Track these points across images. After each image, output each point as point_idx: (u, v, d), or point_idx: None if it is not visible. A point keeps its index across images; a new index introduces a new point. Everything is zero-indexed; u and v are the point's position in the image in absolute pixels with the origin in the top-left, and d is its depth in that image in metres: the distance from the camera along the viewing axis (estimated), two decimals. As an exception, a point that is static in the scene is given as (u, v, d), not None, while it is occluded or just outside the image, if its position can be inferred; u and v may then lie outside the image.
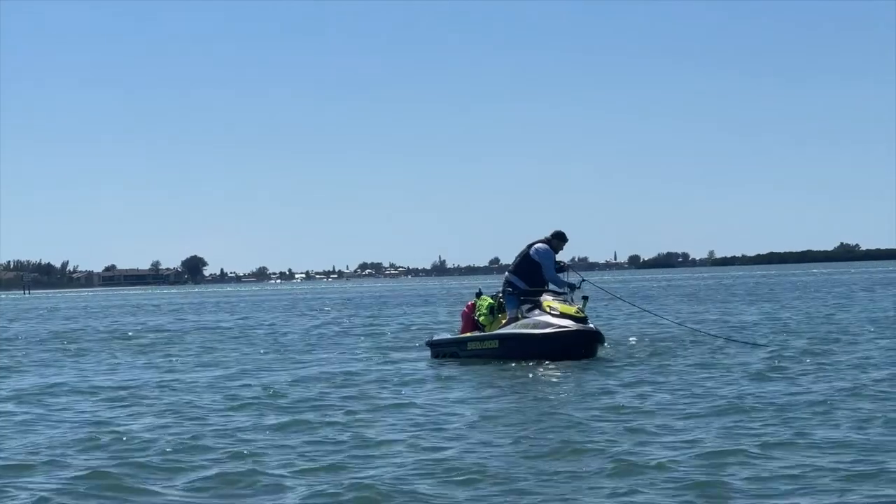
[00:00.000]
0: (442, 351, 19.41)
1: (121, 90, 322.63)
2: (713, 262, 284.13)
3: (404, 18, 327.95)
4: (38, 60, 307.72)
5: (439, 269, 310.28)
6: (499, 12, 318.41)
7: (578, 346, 17.75)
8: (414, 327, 30.83)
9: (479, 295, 19.60)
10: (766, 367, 16.13)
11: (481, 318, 19.17)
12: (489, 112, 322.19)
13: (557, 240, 19.35)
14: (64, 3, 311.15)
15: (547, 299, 18.34)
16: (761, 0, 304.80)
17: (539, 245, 19.20)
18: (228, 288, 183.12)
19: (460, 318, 20.04)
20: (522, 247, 19.36)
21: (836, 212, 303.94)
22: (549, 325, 17.87)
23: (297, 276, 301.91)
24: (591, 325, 18.09)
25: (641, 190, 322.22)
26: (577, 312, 18.06)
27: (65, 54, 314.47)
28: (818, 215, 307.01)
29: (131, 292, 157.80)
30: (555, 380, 15.79)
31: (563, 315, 17.95)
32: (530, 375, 16.28)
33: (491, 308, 19.14)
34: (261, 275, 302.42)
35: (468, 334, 19.25)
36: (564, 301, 18.42)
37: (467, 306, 19.71)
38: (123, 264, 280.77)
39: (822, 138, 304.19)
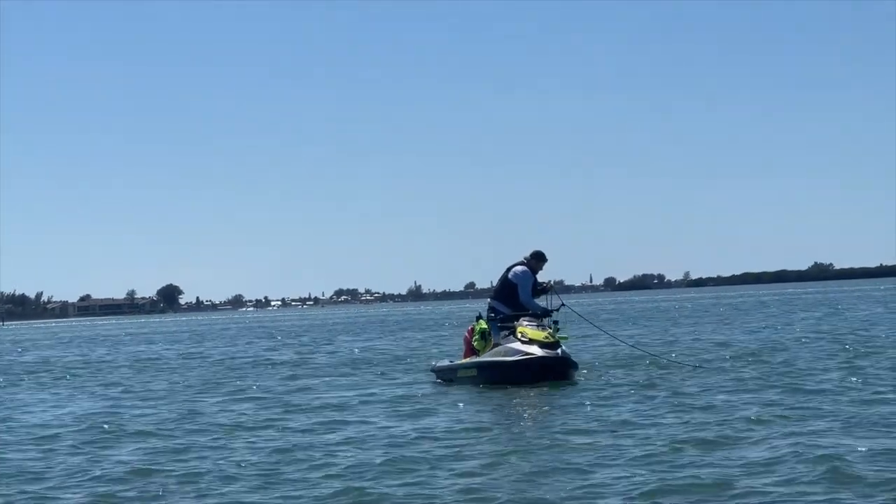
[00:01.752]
0: (442, 377, 19.62)
1: (93, 119, 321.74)
2: (688, 283, 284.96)
3: (382, 51, 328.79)
4: (10, 90, 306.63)
5: (415, 295, 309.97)
6: (468, 45, 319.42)
7: (545, 372, 17.71)
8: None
9: (478, 318, 19.56)
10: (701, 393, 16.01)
11: (475, 343, 19.24)
12: (463, 136, 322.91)
13: (536, 260, 19.24)
14: (33, 32, 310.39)
15: (522, 324, 18.35)
16: (731, 20, 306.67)
17: (518, 267, 19.12)
18: (200, 316, 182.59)
19: (463, 343, 20.14)
20: (499, 270, 19.30)
21: (810, 232, 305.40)
22: (517, 352, 17.99)
23: (273, 303, 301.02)
24: (558, 351, 17.95)
25: (616, 212, 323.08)
26: (547, 338, 18.01)
27: (32, 82, 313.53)
28: (792, 235, 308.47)
29: (103, 322, 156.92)
30: (506, 404, 15.80)
31: (531, 341, 17.98)
32: (483, 403, 16.21)
33: (482, 333, 19.15)
34: (236, 303, 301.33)
35: (460, 361, 19.46)
36: (539, 326, 18.38)
37: (468, 331, 19.74)
38: (98, 294, 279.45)
39: (796, 158, 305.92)
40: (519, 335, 18.15)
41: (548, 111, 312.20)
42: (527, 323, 18.37)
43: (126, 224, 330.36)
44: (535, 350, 17.84)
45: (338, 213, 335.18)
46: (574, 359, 18.61)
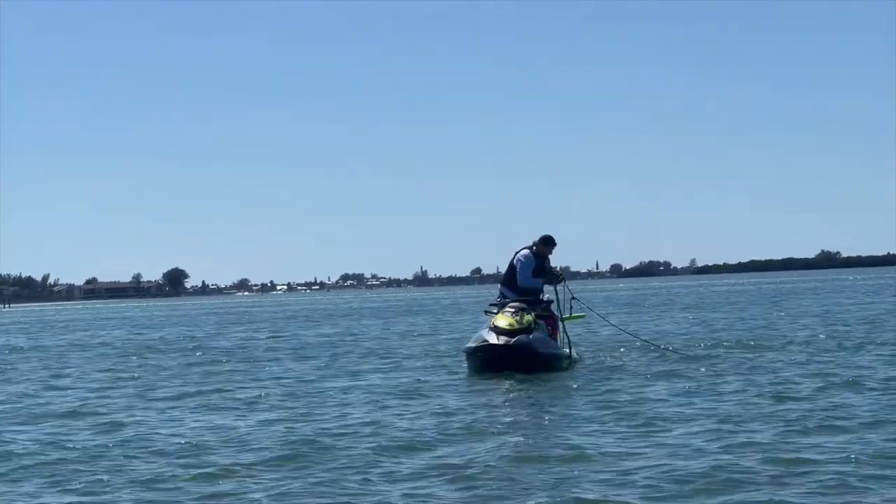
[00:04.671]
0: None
1: (100, 102, 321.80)
2: (695, 270, 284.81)
3: (386, 32, 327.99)
4: (15, 74, 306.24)
5: (421, 280, 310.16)
6: (476, 26, 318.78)
7: (499, 360, 17.26)
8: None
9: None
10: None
11: None
12: (469, 123, 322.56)
13: (544, 244, 18.81)
14: (46, 15, 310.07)
15: (504, 311, 17.89)
16: (740, 3, 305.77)
17: (522, 251, 18.80)
18: (205, 300, 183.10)
19: None
20: (506, 256, 19.08)
21: (817, 220, 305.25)
22: (479, 339, 17.83)
23: (278, 287, 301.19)
24: (512, 339, 17.26)
25: (623, 198, 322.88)
26: (512, 325, 17.46)
27: (40, 67, 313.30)
28: (800, 223, 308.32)
29: (110, 305, 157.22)
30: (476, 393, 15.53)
31: (494, 328, 17.57)
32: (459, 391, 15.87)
33: None
34: (242, 286, 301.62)
35: None
36: (514, 312, 17.73)
37: None
38: (105, 277, 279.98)
39: (804, 146, 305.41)
40: (491, 322, 17.86)
41: (554, 95, 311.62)
42: (510, 307, 17.90)
43: (133, 208, 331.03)
44: (491, 337, 17.51)
45: (344, 197, 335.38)
46: (555, 348, 18.05)
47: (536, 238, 18.91)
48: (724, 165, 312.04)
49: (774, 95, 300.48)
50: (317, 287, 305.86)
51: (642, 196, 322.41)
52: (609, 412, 12.82)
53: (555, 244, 18.94)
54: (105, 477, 9.89)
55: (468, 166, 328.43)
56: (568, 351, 18.65)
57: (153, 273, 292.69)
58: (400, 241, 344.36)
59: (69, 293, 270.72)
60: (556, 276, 18.93)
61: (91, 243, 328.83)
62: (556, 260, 19.13)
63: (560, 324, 18.76)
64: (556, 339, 18.67)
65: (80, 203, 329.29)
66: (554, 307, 18.85)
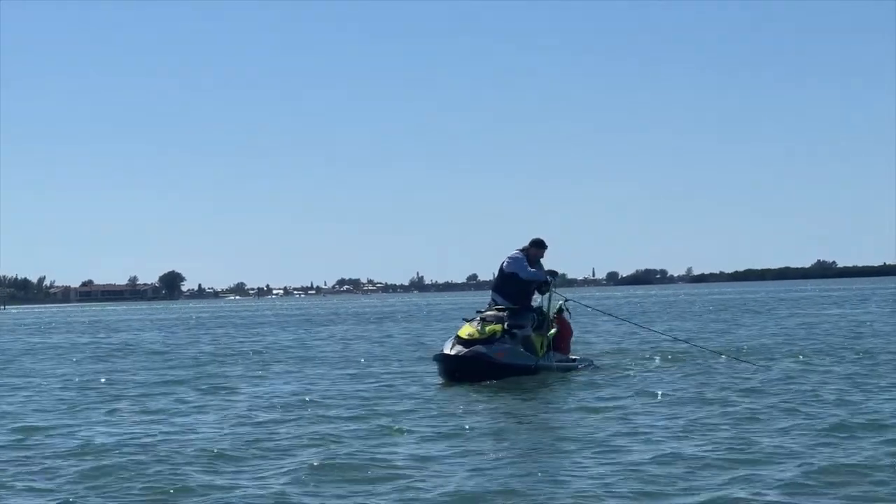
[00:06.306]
0: None
1: (97, 104, 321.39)
2: (691, 278, 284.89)
3: (381, 31, 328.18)
4: (10, 71, 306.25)
5: (417, 286, 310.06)
6: (475, 27, 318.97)
7: (453, 370, 17.26)
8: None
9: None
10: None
11: None
12: (467, 128, 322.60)
13: (536, 248, 18.84)
14: (42, 18, 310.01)
15: (473, 320, 17.81)
16: (740, 10, 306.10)
17: (513, 253, 18.79)
18: (203, 304, 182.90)
19: None
20: (499, 261, 19.06)
21: (813, 229, 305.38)
22: (442, 349, 17.87)
23: (275, 291, 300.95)
24: (465, 349, 17.13)
25: (619, 206, 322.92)
26: (471, 335, 17.36)
27: (37, 66, 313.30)
28: (796, 233, 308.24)
29: (105, 308, 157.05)
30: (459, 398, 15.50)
31: (455, 337, 17.55)
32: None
33: None
34: (239, 290, 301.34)
35: None
36: (481, 321, 17.60)
37: None
38: (100, 279, 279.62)
39: (802, 155, 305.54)
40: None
41: (548, 108, 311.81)
42: (478, 317, 17.80)
43: (129, 210, 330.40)
44: (447, 346, 17.55)
45: (340, 202, 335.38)
46: (524, 358, 17.63)
47: (527, 243, 19.00)
48: (720, 174, 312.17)
49: (772, 103, 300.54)
50: (313, 291, 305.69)
51: (639, 204, 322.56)
52: (592, 419, 12.92)
53: (546, 247, 18.98)
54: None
55: (465, 172, 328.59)
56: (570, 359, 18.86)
57: (149, 276, 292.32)
58: (397, 246, 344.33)
59: (65, 295, 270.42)
60: (547, 282, 18.80)
61: (87, 245, 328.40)
62: (552, 266, 19.12)
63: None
64: (567, 347, 18.80)
65: (76, 205, 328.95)
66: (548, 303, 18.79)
